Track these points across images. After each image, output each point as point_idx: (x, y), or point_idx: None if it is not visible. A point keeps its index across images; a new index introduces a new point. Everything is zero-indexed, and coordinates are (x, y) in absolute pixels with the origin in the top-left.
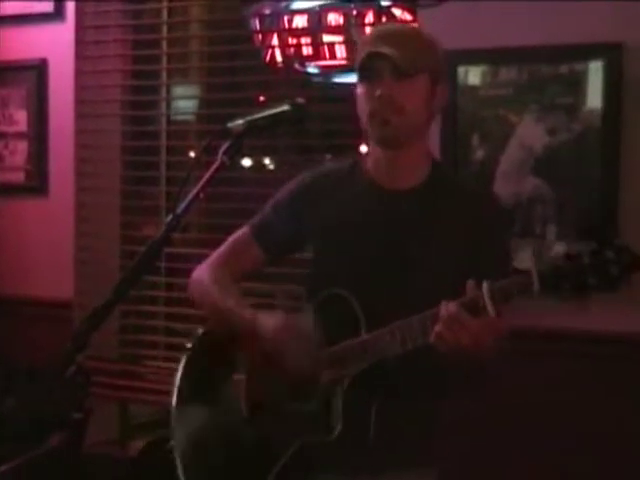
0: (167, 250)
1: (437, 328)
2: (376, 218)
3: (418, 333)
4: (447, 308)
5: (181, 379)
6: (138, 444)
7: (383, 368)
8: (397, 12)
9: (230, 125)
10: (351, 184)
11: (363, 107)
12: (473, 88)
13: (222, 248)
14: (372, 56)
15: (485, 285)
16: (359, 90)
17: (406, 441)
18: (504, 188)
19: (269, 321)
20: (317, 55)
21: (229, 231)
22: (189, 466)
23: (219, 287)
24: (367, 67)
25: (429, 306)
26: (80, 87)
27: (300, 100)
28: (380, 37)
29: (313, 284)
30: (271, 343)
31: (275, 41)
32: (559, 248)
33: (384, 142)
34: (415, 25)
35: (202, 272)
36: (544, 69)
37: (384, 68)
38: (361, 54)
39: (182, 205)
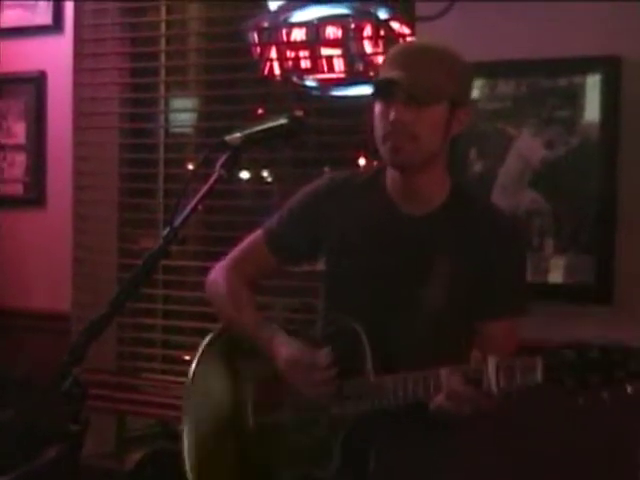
0: (165, 262)
1: (439, 400)
2: (390, 242)
3: (419, 394)
4: (449, 381)
5: (196, 370)
6: (135, 456)
7: (386, 412)
8: (395, 25)
9: (228, 138)
10: (370, 197)
11: (377, 127)
12: (471, 101)
13: (236, 251)
14: (387, 81)
15: (492, 361)
16: (376, 108)
17: None
18: (502, 201)
19: (283, 350)
20: (315, 68)
21: (227, 243)
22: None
23: (234, 299)
24: (382, 88)
25: (440, 333)
26: (78, 99)
27: (298, 113)
28: (399, 59)
29: (328, 300)
30: (284, 372)
31: (273, 54)
32: (557, 262)
33: (395, 167)
34: (439, 44)
35: (218, 276)
36: (542, 82)
37: (398, 93)
38: (378, 74)
39: (180, 217)
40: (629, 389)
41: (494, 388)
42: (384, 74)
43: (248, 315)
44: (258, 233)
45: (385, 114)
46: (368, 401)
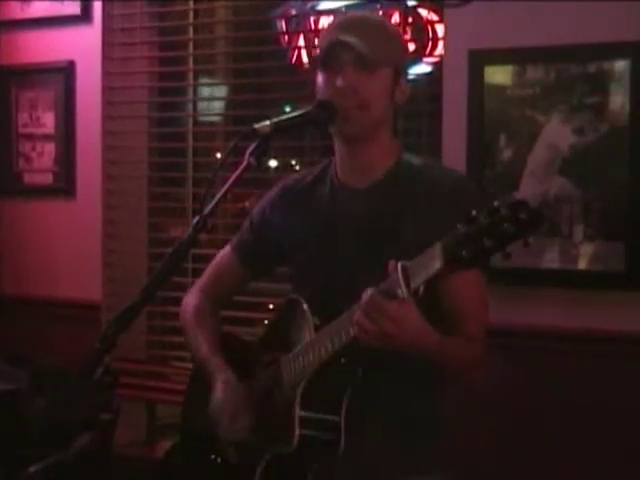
0: (194, 251)
1: (356, 317)
2: (341, 219)
3: (346, 329)
4: (364, 295)
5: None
6: (165, 445)
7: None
8: (423, 12)
9: (257, 126)
10: (321, 187)
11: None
12: (500, 88)
13: (207, 273)
14: (335, 45)
15: (399, 265)
16: (319, 79)
17: (389, 447)
18: (531, 188)
19: (217, 392)
20: None
21: None
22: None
23: (194, 329)
24: (329, 56)
25: None
26: (107, 89)
27: (326, 101)
28: (344, 25)
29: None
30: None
31: (301, 42)
32: (587, 249)
33: (346, 137)
34: (379, 16)
35: (189, 301)
36: (571, 68)
37: (347, 58)
38: (323, 41)
39: (209, 206)
40: (530, 240)
41: (404, 291)
42: (331, 39)
43: (201, 347)
44: (225, 251)
45: (332, 82)
46: (314, 356)
